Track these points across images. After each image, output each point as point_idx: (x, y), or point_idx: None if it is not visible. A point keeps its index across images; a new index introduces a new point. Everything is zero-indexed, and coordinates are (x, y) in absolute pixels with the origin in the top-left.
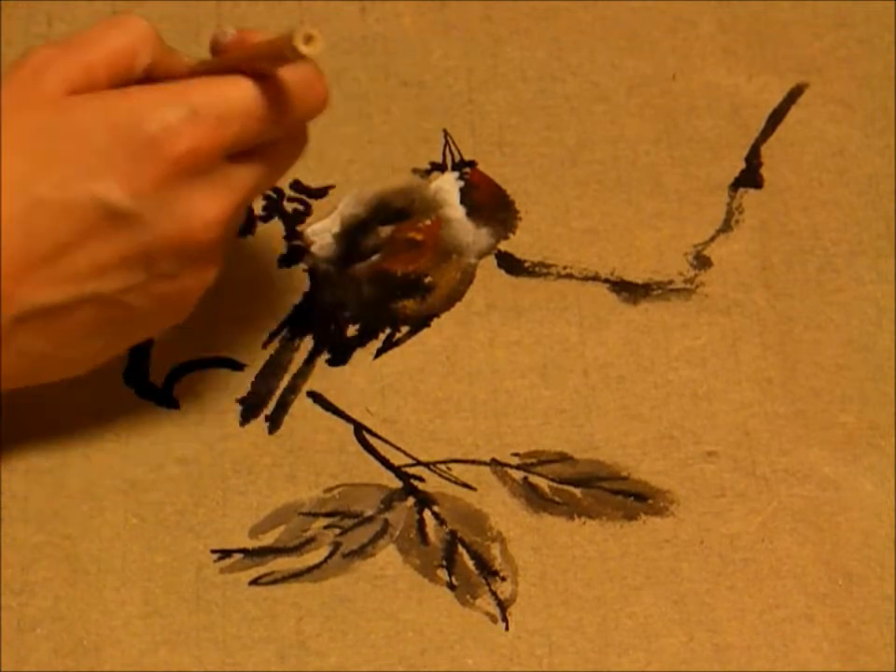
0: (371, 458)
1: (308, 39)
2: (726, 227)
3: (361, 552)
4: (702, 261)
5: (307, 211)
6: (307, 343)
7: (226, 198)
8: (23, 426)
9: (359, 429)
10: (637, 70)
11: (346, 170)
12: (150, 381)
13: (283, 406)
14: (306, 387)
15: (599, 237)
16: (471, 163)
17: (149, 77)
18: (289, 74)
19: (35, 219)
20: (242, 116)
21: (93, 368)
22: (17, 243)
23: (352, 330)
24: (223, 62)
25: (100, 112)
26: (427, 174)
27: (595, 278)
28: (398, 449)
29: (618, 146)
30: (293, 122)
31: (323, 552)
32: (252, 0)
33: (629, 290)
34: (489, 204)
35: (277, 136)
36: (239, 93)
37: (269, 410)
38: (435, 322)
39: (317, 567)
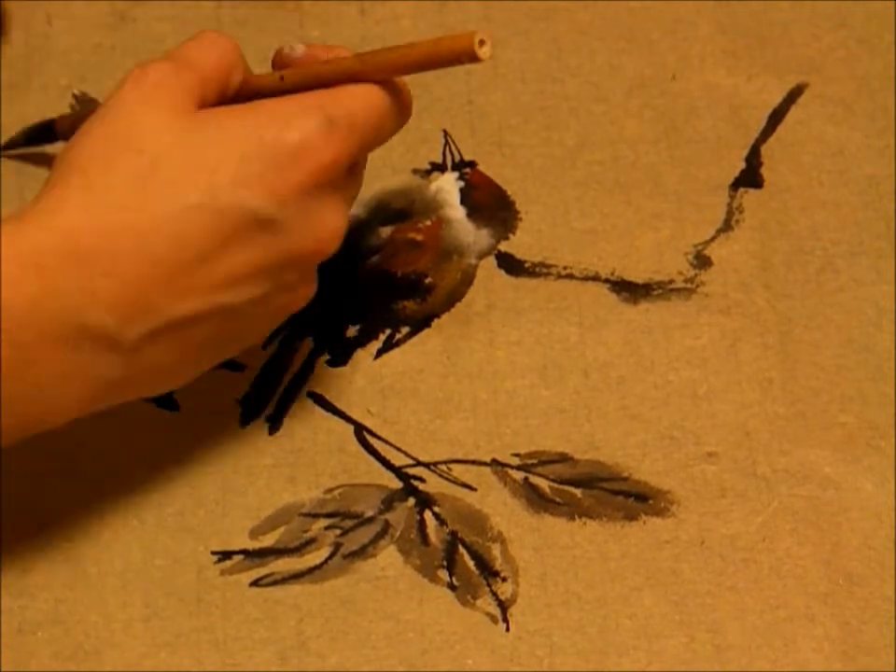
0: (371, 459)
1: (482, 43)
2: (726, 227)
3: (362, 552)
4: (702, 261)
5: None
6: (307, 344)
7: (346, 208)
8: None
9: (360, 430)
10: (636, 71)
11: None
12: None
13: (283, 407)
14: (306, 388)
15: (599, 237)
16: (471, 164)
17: (240, 94)
18: (399, 81)
19: (182, 226)
20: (370, 125)
21: (186, 383)
22: (162, 251)
23: (352, 331)
24: (315, 71)
25: (243, 122)
26: (427, 174)
27: (596, 278)
28: (398, 449)
29: (618, 146)
30: (398, 131)
31: (324, 552)
32: (252, 0)
33: (629, 290)
34: (489, 205)
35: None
36: (368, 102)
37: (269, 411)
38: (435, 322)
39: (318, 567)
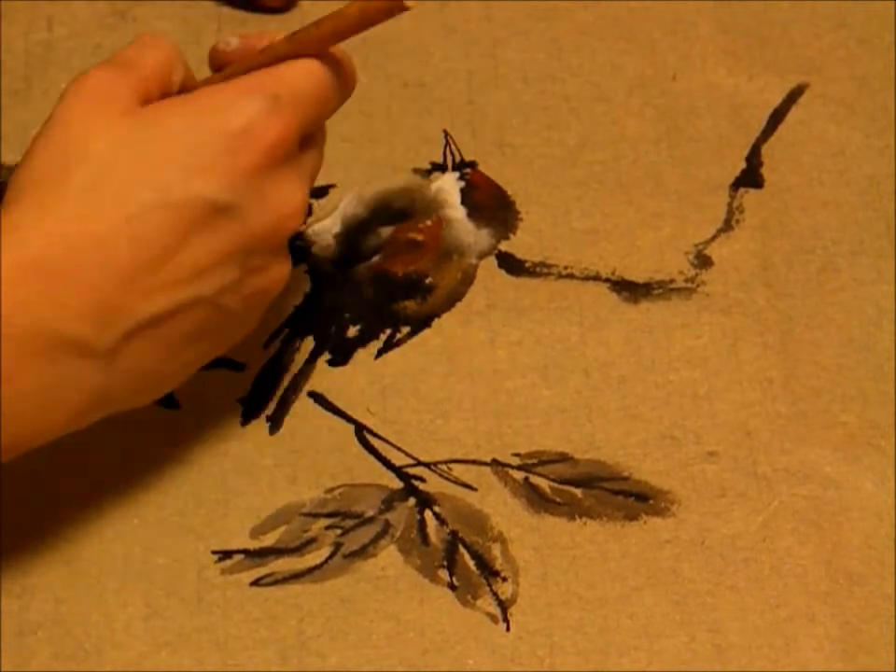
0: (371, 459)
1: None
2: (727, 226)
3: (362, 552)
4: (703, 261)
5: (308, 211)
6: (308, 344)
7: (304, 183)
8: None
9: (360, 430)
10: (637, 70)
11: (347, 170)
12: None
13: (284, 406)
14: (307, 388)
15: (600, 237)
16: (472, 164)
17: (182, 92)
18: (337, 52)
19: (140, 226)
20: (315, 97)
21: (180, 384)
22: (123, 253)
23: (353, 331)
24: (254, 64)
25: (186, 113)
26: (427, 174)
27: (596, 278)
28: (398, 449)
29: (618, 146)
30: (345, 100)
31: (324, 552)
32: None
33: (630, 290)
34: (490, 205)
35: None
36: (309, 75)
37: (270, 410)
38: (436, 322)
39: (318, 567)
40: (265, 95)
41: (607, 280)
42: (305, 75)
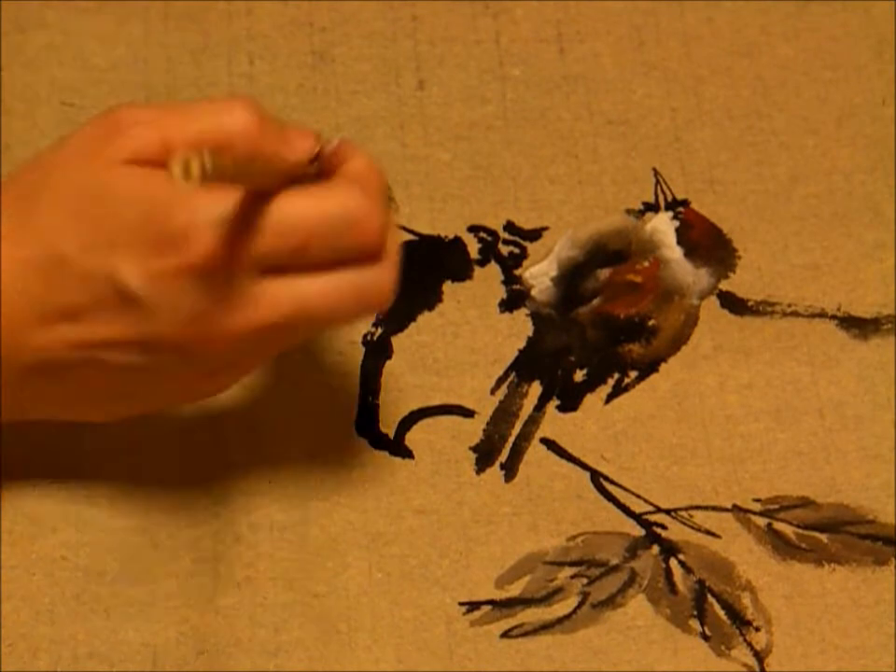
0: (610, 506)
1: (187, 167)
2: None
3: (611, 602)
4: None
5: (523, 254)
6: (535, 389)
7: (249, 313)
8: (262, 480)
9: (596, 476)
10: (845, 100)
11: (558, 211)
12: (381, 431)
13: (517, 453)
14: (538, 434)
15: (821, 272)
16: (684, 202)
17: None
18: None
19: (54, 274)
20: (279, 231)
21: (121, 419)
22: (36, 291)
23: (579, 375)
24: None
25: (139, 189)
26: (640, 214)
27: (822, 315)
28: (637, 496)
29: (832, 178)
30: (348, 253)
31: (572, 602)
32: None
33: (858, 326)
34: (706, 244)
35: (331, 264)
36: (283, 207)
37: (503, 457)
38: (663, 367)
39: (567, 617)
40: (220, 207)
41: (833, 317)
42: (279, 203)
